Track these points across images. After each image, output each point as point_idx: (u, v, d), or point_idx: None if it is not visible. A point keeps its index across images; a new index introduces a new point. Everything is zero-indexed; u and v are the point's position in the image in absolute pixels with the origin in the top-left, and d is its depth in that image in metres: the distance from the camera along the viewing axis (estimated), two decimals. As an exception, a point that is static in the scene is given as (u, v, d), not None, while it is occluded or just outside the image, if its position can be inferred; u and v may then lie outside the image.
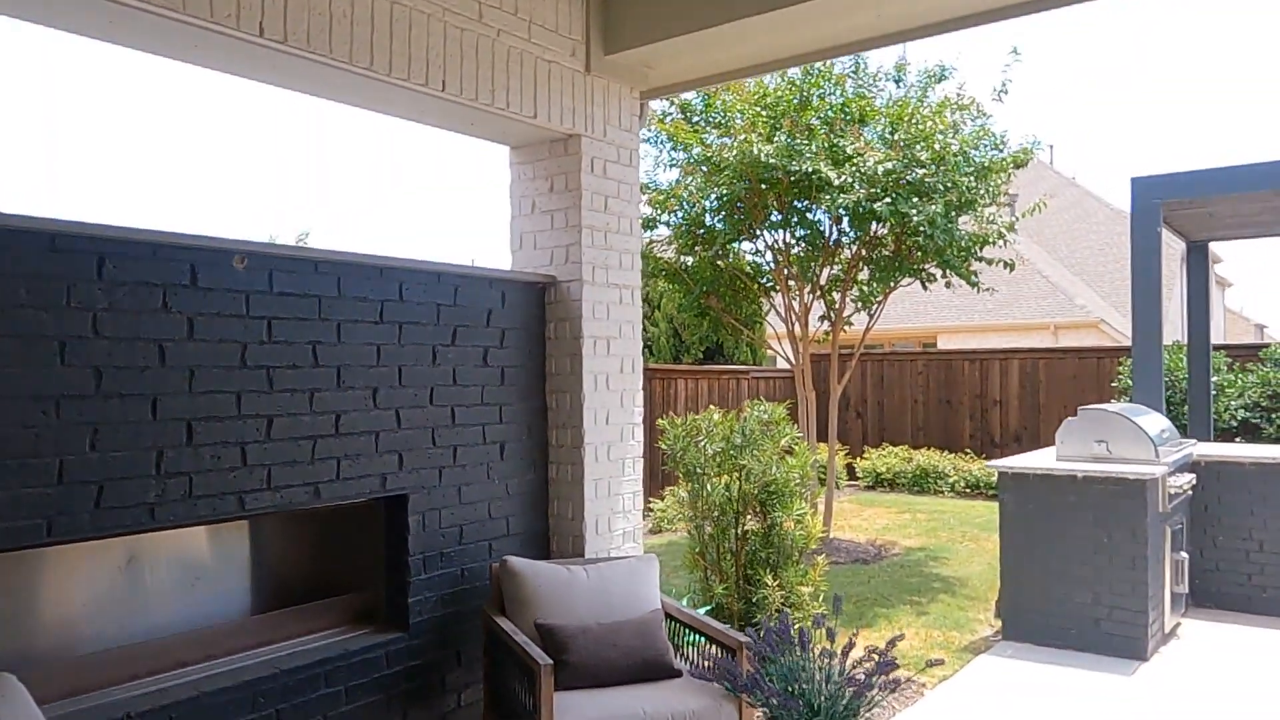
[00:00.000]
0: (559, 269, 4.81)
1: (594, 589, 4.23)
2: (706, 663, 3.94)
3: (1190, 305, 9.35)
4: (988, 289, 9.36)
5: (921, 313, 22.67)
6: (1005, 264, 8.86)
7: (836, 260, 9.31)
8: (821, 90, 8.56)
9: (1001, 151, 8.77)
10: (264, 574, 4.17)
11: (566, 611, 4.10)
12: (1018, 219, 9.14)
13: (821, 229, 9.04)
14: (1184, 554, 6.05)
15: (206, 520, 3.47)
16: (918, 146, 7.98)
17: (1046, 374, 13.26)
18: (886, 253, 8.84)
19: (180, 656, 3.56)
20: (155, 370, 3.28)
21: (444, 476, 4.30)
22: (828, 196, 7.98)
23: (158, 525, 3.29)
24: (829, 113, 8.47)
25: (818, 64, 8.56)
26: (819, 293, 9.39)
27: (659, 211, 9.41)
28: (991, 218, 8.70)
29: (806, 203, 8.61)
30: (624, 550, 4.93)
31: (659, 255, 9.70)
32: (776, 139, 8.13)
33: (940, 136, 8.01)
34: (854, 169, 7.89)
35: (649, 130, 9.28)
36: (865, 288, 9.35)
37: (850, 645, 3.54)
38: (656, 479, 10.91)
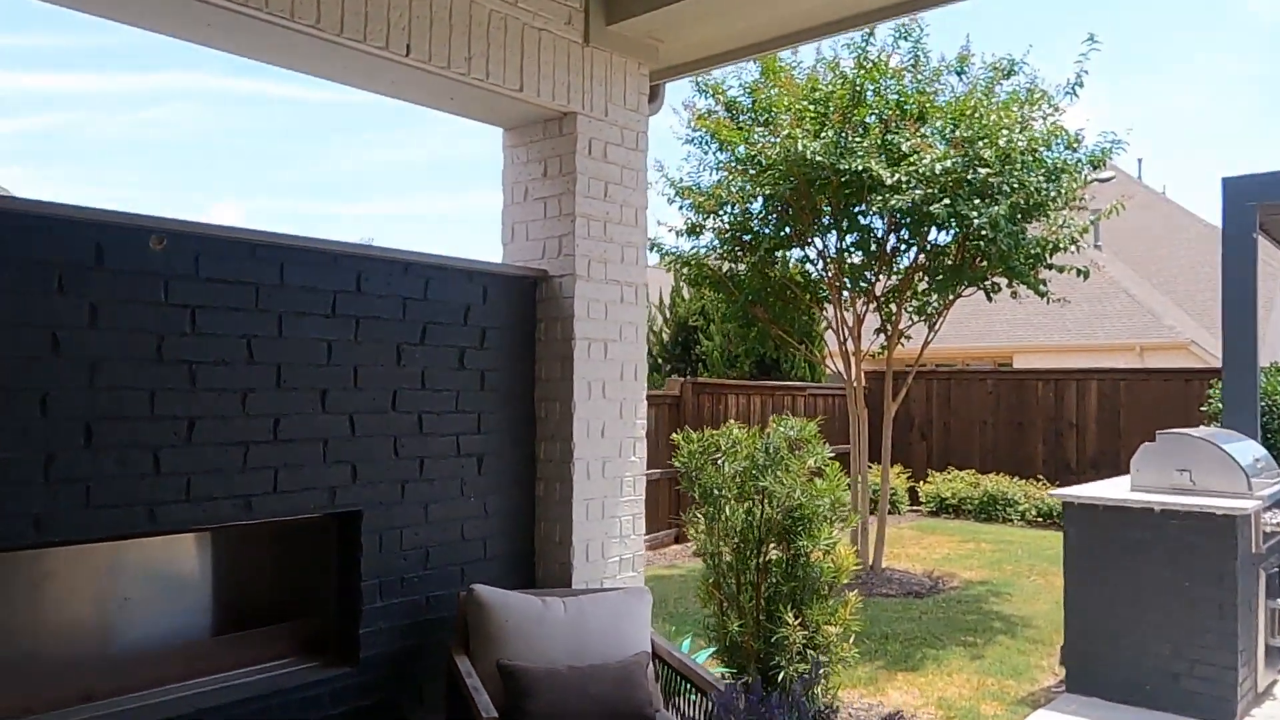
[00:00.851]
0: (550, 263, 4.30)
1: (570, 626, 3.68)
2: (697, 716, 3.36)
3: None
4: (1059, 300, 8.57)
5: (996, 331, 21.56)
6: (1079, 271, 8.03)
7: (893, 269, 8.63)
8: (877, 85, 7.91)
9: (1076, 151, 8.00)
10: (206, 594, 3.72)
11: (536, 651, 3.56)
12: (1094, 220, 8.32)
13: (876, 234, 8.39)
14: (1282, 603, 5.21)
15: (107, 536, 3.03)
16: (980, 143, 7.28)
17: (1128, 396, 12.25)
18: (948, 260, 8.13)
19: (88, 687, 3.13)
20: (46, 361, 2.86)
21: (407, 492, 3.81)
22: (880, 197, 7.33)
23: (44, 541, 2.87)
24: (884, 111, 7.83)
25: (872, 56, 7.93)
26: (874, 304, 8.72)
27: (703, 216, 8.87)
28: (1065, 221, 7.93)
29: (860, 206, 7.97)
30: (620, 580, 4.38)
31: (703, 261, 9.14)
32: (825, 135, 7.52)
33: (1006, 133, 7.29)
34: (909, 167, 7.23)
35: (691, 130, 8.77)
36: (924, 298, 8.64)
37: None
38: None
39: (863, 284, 8.60)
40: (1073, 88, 7.83)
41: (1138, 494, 5.12)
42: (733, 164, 8.40)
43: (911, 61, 8.10)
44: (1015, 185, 7.28)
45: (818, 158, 7.38)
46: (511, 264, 4.41)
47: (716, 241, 9.05)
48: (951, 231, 7.73)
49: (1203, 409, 11.02)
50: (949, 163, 7.11)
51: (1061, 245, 7.86)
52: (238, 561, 3.80)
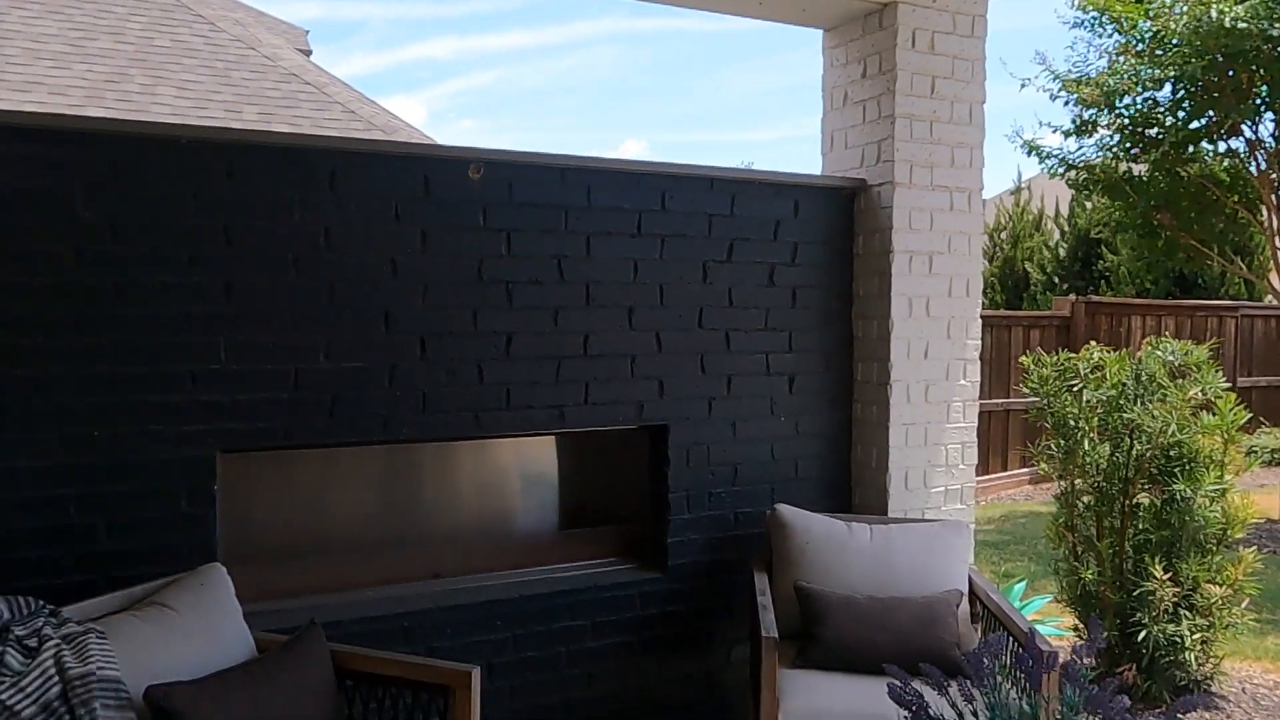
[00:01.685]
0: (869, 170, 4.01)
1: (875, 554, 3.50)
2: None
3: None
4: None
5: None
6: None
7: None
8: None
9: None
10: (540, 494, 4.09)
11: (835, 576, 3.44)
12: None
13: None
14: None
15: (441, 438, 3.43)
16: None
17: None
18: None
19: (432, 567, 3.62)
20: (387, 284, 3.26)
21: (714, 408, 3.84)
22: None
23: (390, 438, 3.32)
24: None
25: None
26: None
27: (1095, 111, 7.76)
28: None
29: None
30: (945, 512, 4.06)
31: (1090, 164, 8.01)
32: (1251, -3, 6.14)
33: None
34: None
35: (1082, 12, 7.65)
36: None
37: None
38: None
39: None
40: None
41: None
42: (1131, 45, 7.19)
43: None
44: None
45: (1241, 25, 6.05)
46: (825, 175, 4.18)
47: (1113, 137, 7.87)
48: None
49: None
50: None
51: None
52: (573, 467, 4.11)
